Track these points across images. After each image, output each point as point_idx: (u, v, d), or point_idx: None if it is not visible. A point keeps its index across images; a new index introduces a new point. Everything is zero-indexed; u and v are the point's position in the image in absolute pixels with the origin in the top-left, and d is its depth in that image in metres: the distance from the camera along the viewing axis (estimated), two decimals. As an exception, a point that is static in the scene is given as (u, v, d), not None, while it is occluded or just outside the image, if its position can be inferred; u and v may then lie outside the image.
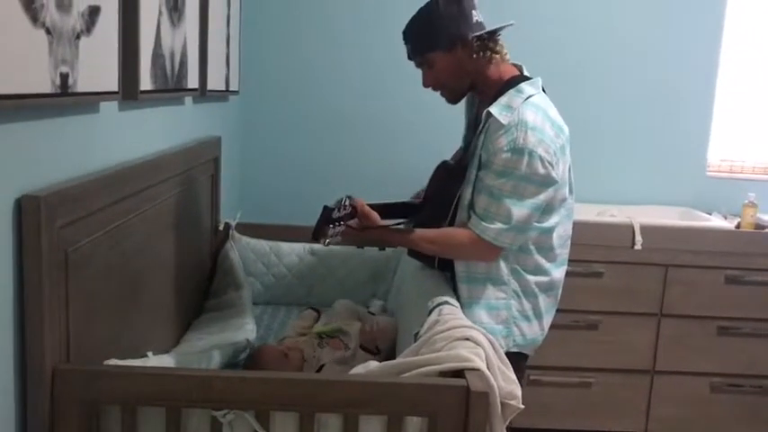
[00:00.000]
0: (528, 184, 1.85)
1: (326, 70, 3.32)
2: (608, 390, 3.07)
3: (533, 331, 2.02)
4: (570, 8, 3.30)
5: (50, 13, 1.29)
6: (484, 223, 1.88)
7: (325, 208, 1.85)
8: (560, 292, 2.08)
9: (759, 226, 3.07)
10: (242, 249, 2.82)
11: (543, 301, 2.01)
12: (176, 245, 2.18)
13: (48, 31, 1.29)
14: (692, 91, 3.37)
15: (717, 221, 3.13)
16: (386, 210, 2.03)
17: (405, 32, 1.98)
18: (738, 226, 3.08)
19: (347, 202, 1.89)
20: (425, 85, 2.01)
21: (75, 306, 1.44)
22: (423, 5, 1.94)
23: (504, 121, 1.86)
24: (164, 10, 1.94)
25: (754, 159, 3.52)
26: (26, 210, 1.28)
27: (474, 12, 1.93)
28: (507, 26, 1.96)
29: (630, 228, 2.96)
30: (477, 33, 1.91)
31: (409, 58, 2.01)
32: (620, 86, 3.36)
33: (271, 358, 2.08)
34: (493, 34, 1.95)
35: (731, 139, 3.50)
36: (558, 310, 2.11)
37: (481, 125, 1.94)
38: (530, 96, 1.89)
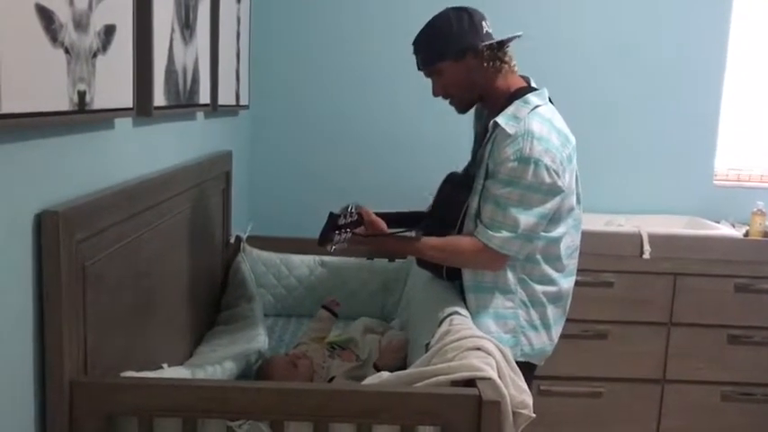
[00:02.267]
0: (534, 193, 1.87)
1: (335, 83, 3.36)
2: (618, 399, 3.07)
3: (541, 341, 2.03)
4: (578, 19, 3.33)
5: (69, 33, 1.32)
6: (490, 232, 1.90)
7: (332, 215, 1.88)
8: (569, 302, 2.09)
9: (767, 234, 3.08)
10: (253, 262, 2.84)
11: (551, 311, 2.03)
12: (189, 258, 2.20)
13: (66, 51, 1.32)
14: (698, 100, 3.39)
15: (725, 230, 3.14)
16: (393, 218, 2.04)
17: (415, 42, 2.01)
18: (747, 234, 3.09)
19: (353, 210, 1.91)
20: (435, 94, 2.04)
21: (92, 319, 1.46)
22: (433, 17, 1.98)
23: (510, 131, 1.88)
24: (176, 27, 1.98)
25: (762, 168, 3.53)
26: (45, 225, 1.31)
27: (484, 23, 1.96)
28: (516, 37, 1.98)
29: (639, 237, 2.97)
30: (488, 43, 1.94)
31: (419, 68, 2.03)
32: (627, 96, 3.37)
33: (279, 369, 2.09)
34: (502, 45, 1.97)
35: (738, 147, 3.50)
36: (567, 320, 2.13)
37: (488, 135, 1.96)
38: (536, 107, 1.92)
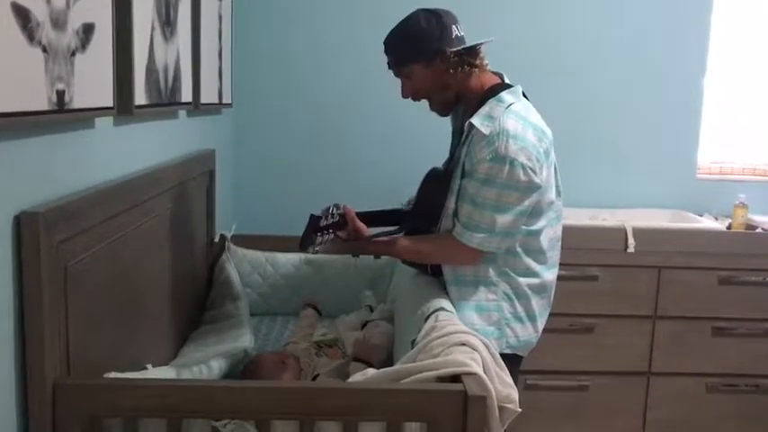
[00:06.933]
0: (511, 191, 1.88)
1: (318, 81, 3.34)
2: (605, 392, 3.09)
3: (527, 333, 2.04)
4: (561, 13, 3.33)
5: (46, 32, 1.31)
6: (468, 231, 1.92)
7: (312, 216, 1.87)
8: (553, 294, 2.10)
9: (750, 226, 3.11)
10: (238, 261, 2.83)
11: (536, 302, 2.04)
12: (173, 258, 2.19)
13: (44, 50, 1.30)
14: (680, 94, 3.41)
15: (708, 223, 3.16)
16: (376, 217, 2.05)
17: (386, 43, 2.01)
18: (729, 227, 3.11)
19: (334, 211, 1.91)
20: (404, 95, 2.06)
21: (74, 320, 1.45)
22: (404, 18, 1.98)
23: (485, 131, 1.89)
24: (156, 25, 1.96)
25: (744, 161, 3.55)
26: (25, 226, 1.30)
27: (454, 27, 1.96)
28: (486, 42, 1.99)
29: (623, 231, 2.98)
30: (456, 49, 1.94)
31: (389, 67, 2.04)
32: (610, 90, 3.38)
33: (269, 366, 2.08)
34: (471, 49, 1.97)
35: (720, 140, 3.52)
36: (553, 314, 2.14)
37: (464, 136, 1.97)
38: (510, 105, 1.92)
